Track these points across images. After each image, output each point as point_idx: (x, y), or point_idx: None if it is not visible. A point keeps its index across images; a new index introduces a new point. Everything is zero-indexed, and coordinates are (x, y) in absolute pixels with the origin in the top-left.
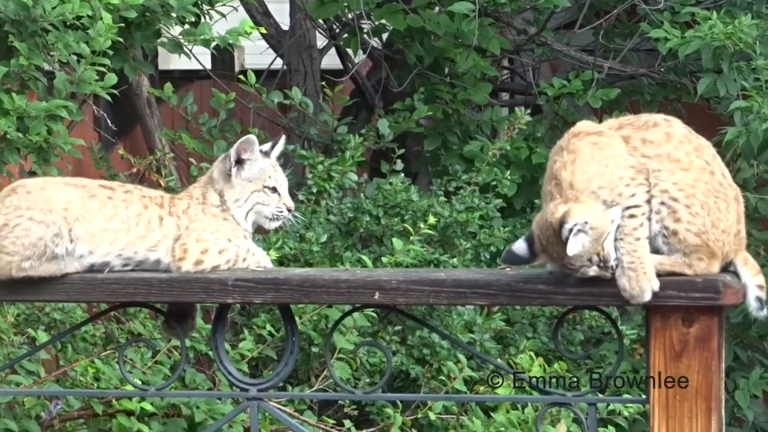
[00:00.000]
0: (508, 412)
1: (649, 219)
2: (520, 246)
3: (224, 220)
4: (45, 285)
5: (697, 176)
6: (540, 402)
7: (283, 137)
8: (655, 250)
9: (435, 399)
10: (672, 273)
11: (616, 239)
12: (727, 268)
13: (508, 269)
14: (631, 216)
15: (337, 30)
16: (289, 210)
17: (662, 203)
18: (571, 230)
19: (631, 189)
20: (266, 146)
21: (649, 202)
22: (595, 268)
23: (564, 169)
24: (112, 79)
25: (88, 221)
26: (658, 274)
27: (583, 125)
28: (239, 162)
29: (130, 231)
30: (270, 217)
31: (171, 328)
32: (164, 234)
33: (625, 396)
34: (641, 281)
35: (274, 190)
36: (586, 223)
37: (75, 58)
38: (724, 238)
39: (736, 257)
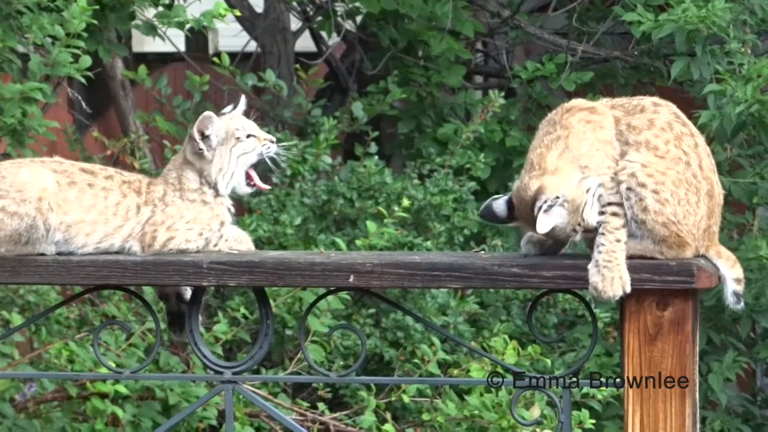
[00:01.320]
0: (482, 395)
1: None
2: (500, 205)
3: (203, 205)
4: (19, 267)
5: (670, 165)
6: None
7: (244, 98)
8: (630, 234)
9: (409, 382)
10: (643, 257)
11: (601, 232)
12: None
13: (482, 252)
14: (614, 214)
15: (311, 12)
16: (272, 142)
17: (629, 188)
18: (540, 207)
19: (615, 184)
20: (227, 109)
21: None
22: (579, 236)
23: (557, 143)
24: (86, 61)
25: (65, 212)
26: (631, 257)
27: (576, 101)
28: (205, 138)
29: (108, 222)
30: (259, 160)
31: (175, 334)
32: (139, 221)
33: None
34: (614, 284)
35: (248, 136)
36: (557, 198)
37: (49, 40)
38: (694, 232)
39: (708, 252)
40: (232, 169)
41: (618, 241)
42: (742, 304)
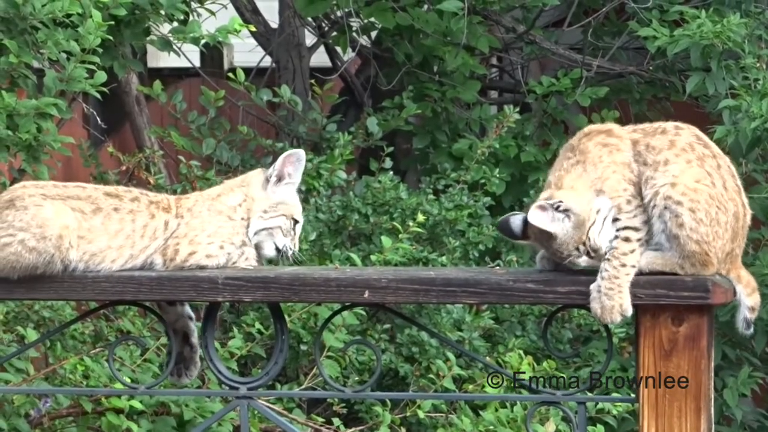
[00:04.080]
0: (497, 410)
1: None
2: (516, 222)
3: (229, 220)
4: (34, 283)
5: (700, 178)
6: (529, 401)
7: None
8: (656, 244)
9: (424, 397)
10: (662, 273)
11: (606, 258)
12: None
13: (498, 268)
14: (626, 239)
15: (326, 28)
16: (292, 251)
17: (666, 207)
18: (541, 205)
19: (632, 208)
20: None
21: (646, 223)
22: (585, 258)
23: (575, 167)
24: (101, 76)
25: (89, 241)
26: (650, 273)
27: (594, 125)
28: (281, 173)
29: (134, 245)
30: (278, 248)
31: (172, 375)
32: (165, 237)
33: (615, 395)
34: (613, 312)
35: (295, 224)
36: (561, 202)
37: (65, 55)
38: (720, 255)
39: (729, 275)
40: (268, 224)
41: (623, 266)
42: (752, 330)
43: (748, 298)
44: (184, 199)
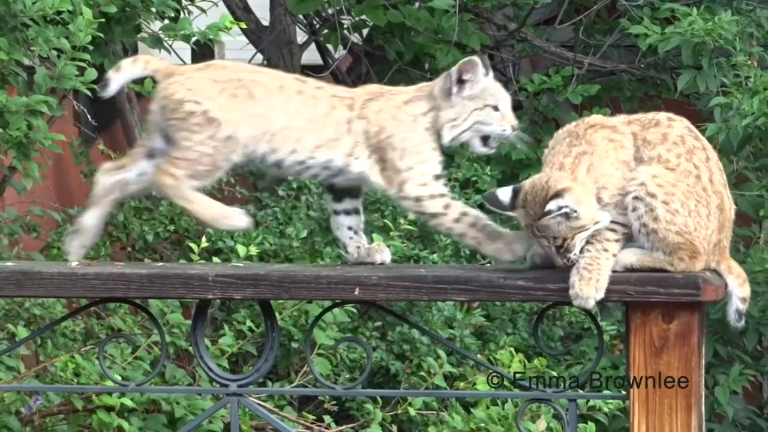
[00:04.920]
0: (488, 408)
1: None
2: (504, 193)
3: (411, 126)
4: (24, 280)
5: (680, 178)
6: (520, 398)
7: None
8: (640, 245)
9: (415, 395)
10: (653, 269)
11: (588, 241)
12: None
13: (489, 265)
14: (612, 230)
15: (317, 25)
16: (513, 129)
17: (637, 198)
18: (560, 208)
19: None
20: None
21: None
22: (553, 249)
23: (583, 156)
24: (92, 74)
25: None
26: (640, 269)
27: (598, 117)
28: (460, 82)
29: (318, 133)
30: (491, 136)
31: None
32: (356, 140)
33: (606, 392)
34: (589, 286)
35: (495, 108)
36: (575, 211)
37: (55, 53)
38: (705, 245)
39: (719, 266)
40: (463, 127)
41: (606, 250)
42: (743, 322)
43: (739, 288)
44: (373, 101)
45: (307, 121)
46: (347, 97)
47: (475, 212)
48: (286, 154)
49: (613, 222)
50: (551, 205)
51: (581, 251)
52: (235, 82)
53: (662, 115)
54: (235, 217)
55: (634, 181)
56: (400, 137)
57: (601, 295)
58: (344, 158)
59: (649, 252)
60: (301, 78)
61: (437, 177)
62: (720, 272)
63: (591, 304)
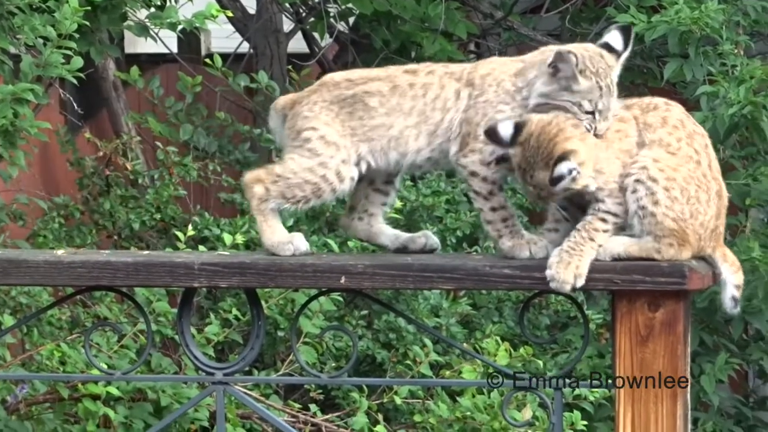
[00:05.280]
0: (474, 396)
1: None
2: (506, 128)
3: (518, 107)
4: (10, 268)
5: (682, 162)
6: (506, 387)
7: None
8: (629, 230)
9: (401, 383)
10: (639, 258)
11: (577, 228)
12: (703, 258)
13: (475, 254)
14: (603, 220)
15: (304, 14)
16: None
17: (638, 180)
18: (570, 171)
19: (621, 195)
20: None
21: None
22: (533, 190)
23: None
24: (78, 62)
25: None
26: (627, 258)
27: None
28: (557, 67)
29: (428, 120)
30: None
31: None
32: (458, 108)
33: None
34: (567, 270)
35: (589, 113)
36: (579, 173)
37: (41, 41)
38: (701, 232)
39: (715, 253)
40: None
41: (591, 240)
42: (738, 309)
43: (734, 276)
44: (482, 65)
45: (418, 113)
46: (458, 70)
47: (512, 210)
48: (415, 155)
49: (605, 212)
50: (561, 170)
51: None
52: (350, 99)
53: (659, 100)
54: (295, 240)
55: (636, 165)
56: (493, 106)
57: (580, 283)
58: (447, 132)
59: (636, 240)
60: (411, 68)
61: (498, 161)
62: (714, 259)
63: (567, 288)
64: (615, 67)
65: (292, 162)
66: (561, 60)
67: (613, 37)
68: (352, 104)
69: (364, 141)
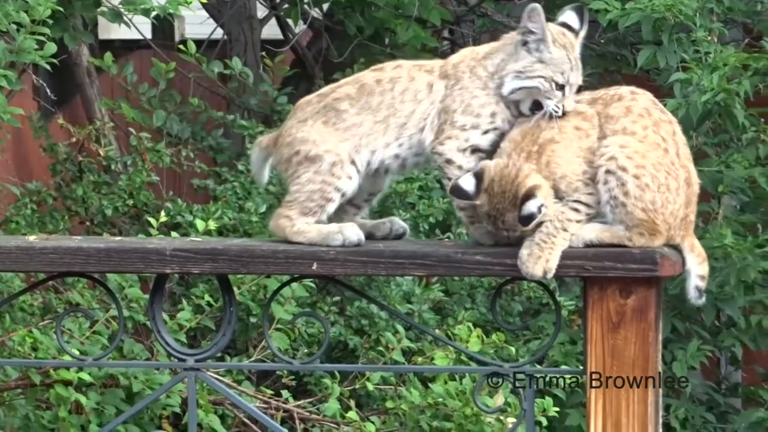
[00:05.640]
0: (446, 382)
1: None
2: (468, 181)
3: (482, 89)
4: None
5: (650, 149)
6: (478, 373)
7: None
8: (601, 216)
9: (373, 370)
10: (611, 245)
11: (549, 220)
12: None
13: (447, 240)
14: (575, 210)
15: (278, 0)
16: (564, 113)
17: (608, 171)
18: (540, 209)
19: (591, 189)
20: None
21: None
22: (508, 234)
23: (548, 146)
24: (51, 48)
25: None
26: (599, 245)
27: None
28: (528, 33)
29: (397, 113)
30: (534, 107)
31: None
32: (432, 100)
33: (563, 367)
34: (537, 264)
35: (561, 87)
36: (546, 207)
37: (14, 27)
38: (671, 221)
39: (683, 242)
40: (525, 84)
41: (564, 230)
42: (704, 299)
43: (698, 267)
44: (455, 55)
45: (387, 107)
46: (429, 64)
47: None
48: (383, 151)
49: (577, 201)
50: (530, 208)
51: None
52: (323, 110)
53: (625, 89)
54: (346, 230)
55: (603, 156)
56: (470, 92)
57: (549, 275)
58: (420, 122)
59: (609, 227)
60: (378, 67)
61: (474, 150)
62: (682, 248)
63: (538, 275)
64: (576, 45)
65: (294, 185)
66: (531, 17)
67: (569, 17)
68: (325, 113)
69: (344, 142)
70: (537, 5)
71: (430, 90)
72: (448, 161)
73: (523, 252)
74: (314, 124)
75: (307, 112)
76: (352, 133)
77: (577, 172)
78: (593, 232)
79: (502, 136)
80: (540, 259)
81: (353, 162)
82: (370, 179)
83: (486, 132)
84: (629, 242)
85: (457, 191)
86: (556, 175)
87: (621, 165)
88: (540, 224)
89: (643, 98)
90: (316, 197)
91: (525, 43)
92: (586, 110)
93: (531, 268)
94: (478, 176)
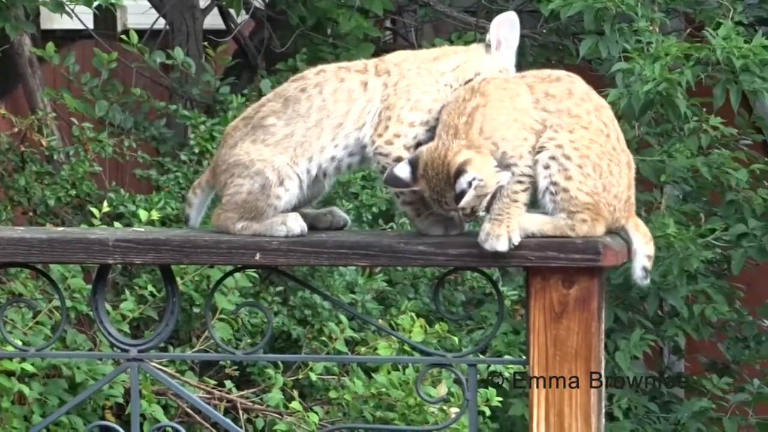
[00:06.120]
0: (389, 372)
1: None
2: (403, 169)
3: (433, 84)
4: None
5: (594, 137)
6: (421, 363)
7: None
8: (540, 208)
9: (316, 360)
10: (553, 237)
11: (495, 196)
12: (617, 233)
13: (390, 230)
14: (519, 182)
15: None
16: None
17: (552, 158)
18: (470, 183)
19: (531, 158)
20: None
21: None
22: (459, 214)
23: (476, 112)
24: None
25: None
26: (541, 237)
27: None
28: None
29: (330, 115)
30: None
31: None
32: (369, 98)
33: (506, 357)
34: (500, 229)
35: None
36: (481, 180)
37: None
38: (615, 203)
39: (627, 223)
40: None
41: (515, 201)
42: (649, 280)
43: (645, 246)
44: (390, 56)
45: (318, 110)
46: (356, 64)
47: None
48: (319, 155)
49: (521, 175)
50: (462, 185)
51: (489, 206)
52: (250, 131)
53: (561, 72)
54: (289, 220)
55: (552, 141)
56: (418, 88)
57: (515, 239)
58: (357, 121)
59: (550, 218)
60: (298, 76)
61: (417, 145)
62: (627, 229)
63: (503, 246)
64: None
65: (232, 201)
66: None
67: None
68: (254, 134)
69: (278, 156)
70: (510, 14)
71: (365, 88)
72: (398, 159)
73: (485, 225)
74: (244, 146)
75: (236, 137)
76: (285, 146)
77: (518, 138)
78: (535, 224)
79: None
80: (501, 224)
81: (290, 176)
82: (311, 187)
83: (431, 129)
84: (571, 231)
85: (393, 179)
86: (495, 139)
87: (566, 153)
88: (493, 198)
89: (579, 81)
90: (253, 212)
91: (488, 47)
92: (506, 77)
93: (494, 239)
94: (413, 163)
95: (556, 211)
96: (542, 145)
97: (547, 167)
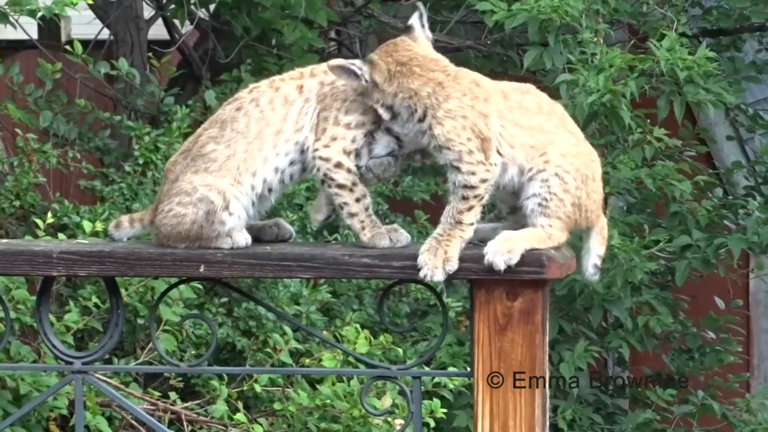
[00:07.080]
0: (333, 384)
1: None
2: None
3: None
4: None
5: (581, 150)
6: (365, 375)
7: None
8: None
9: (260, 372)
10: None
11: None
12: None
13: (334, 242)
14: (464, 198)
15: (164, 0)
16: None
17: (557, 174)
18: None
19: (473, 161)
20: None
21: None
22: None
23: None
24: None
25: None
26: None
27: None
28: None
29: (269, 124)
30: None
31: None
32: (306, 98)
33: (451, 369)
34: (436, 259)
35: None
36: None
37: None
38: (593, 208)
39: (598, 222)
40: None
41: (459, 223)
42: (598, 276)
43: (600, 247)
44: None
45: (256, 122)
46: (290, 74)
47: (370, 199)
48: (263, 168)
49: (465, 188)
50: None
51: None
52: (190, 163)
53: (526, 85)
54: (234, 234)
55: (550, 164)
56: (354, 89)
57: (453, 266)
58: (296, 123)
59: (527, 233)
60: (234, 98)
61: (356, 153)
62: (593, 227)
63: (439, 275)
64: None
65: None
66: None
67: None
68: (195, 164)
69: (222, 179)
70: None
71: (300, 90)
72: (338, 164)
73: (419, 260)
74: (186, 178)
75: (177, 171)
76: (228, 167)
77: (462, 138)
78: (521, 245)
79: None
80: (436, 269)
81: (236, 196)
82: (257, 206)
83: (369, 133)
84: (549, 241)
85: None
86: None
87: (566, 169)
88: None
89: (535, 92)
90: (198, 242)
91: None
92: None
93: (432, 270)
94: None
95: (545, 217)
96: (540, 167)
97: (545, 180)
